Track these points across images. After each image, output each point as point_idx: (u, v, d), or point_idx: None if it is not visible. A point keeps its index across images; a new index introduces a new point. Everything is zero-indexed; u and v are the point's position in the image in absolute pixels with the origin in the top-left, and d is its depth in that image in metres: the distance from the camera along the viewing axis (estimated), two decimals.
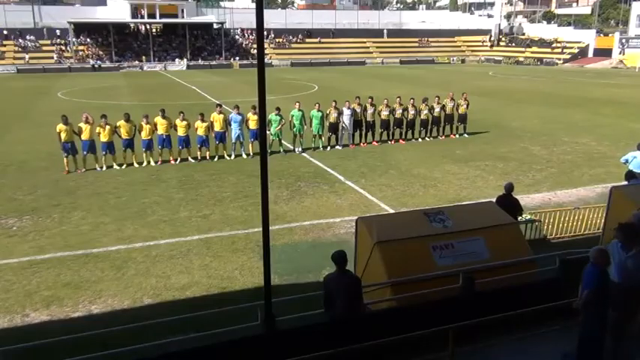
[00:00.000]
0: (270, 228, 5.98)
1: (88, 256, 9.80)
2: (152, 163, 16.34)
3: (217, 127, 16.86)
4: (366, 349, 5.59)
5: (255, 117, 16.35)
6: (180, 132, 16.48)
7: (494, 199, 9.37)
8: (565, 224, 10.57)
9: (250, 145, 17.51)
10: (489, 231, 7.72)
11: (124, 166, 16.02)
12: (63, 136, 15.27)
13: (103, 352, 5.87)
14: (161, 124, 16.19)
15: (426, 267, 7.12)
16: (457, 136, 20.82)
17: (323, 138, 18.64)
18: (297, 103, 18.22)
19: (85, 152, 15.65)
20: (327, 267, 8.05)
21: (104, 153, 15.83)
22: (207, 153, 17.05)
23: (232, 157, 17.27)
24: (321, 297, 6.38)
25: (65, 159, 15.47)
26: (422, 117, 19.83)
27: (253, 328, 6.20)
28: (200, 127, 16.64)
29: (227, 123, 17.00)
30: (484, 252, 7.45)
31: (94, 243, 10.39)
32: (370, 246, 7.32)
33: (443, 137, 20.42)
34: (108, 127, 15.67)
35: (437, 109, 20.00)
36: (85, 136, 15.51)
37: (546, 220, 10.54)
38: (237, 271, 9.18)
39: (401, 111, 19.31)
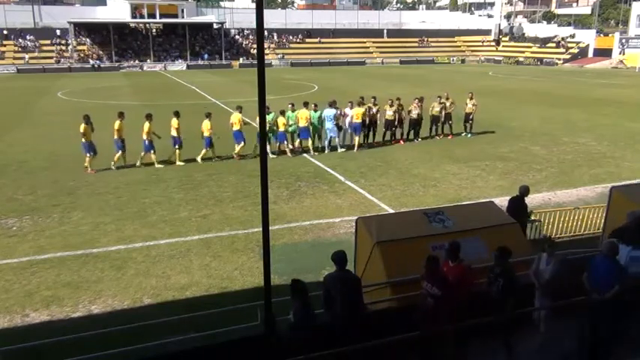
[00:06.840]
0: (270, 228, 5.98)
1: (88, 256, 9.80)
2: (141, 163, 16.18)
3: (302, 123, 17.28)
4: (366, 349, 5.59)
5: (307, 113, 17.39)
6: (207, 133, 16.49)
7: (494, 199, 9.37)
8: (565, 224, 10.56)
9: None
10: (489, 231, 7.71)
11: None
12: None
13: (103, 352, 5.87)
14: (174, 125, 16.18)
15: None
16: (461, 135, 20.83)
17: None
18: (314, 105, 18.35)
19: (89, 153, 15.57)
20: (327, 267, 8.03)
21: (120, 151, 15.78)
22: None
23: (326, 151, 17.85)
24: (321, 297, 6.38)
25: (87, 158, 15.40)
26: (433, 113, 20.07)
27: (253, 328, 6.20)
28: (235, 124, 16.79)
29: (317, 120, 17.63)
30: (484, 252, 7.44)
31: (94, 243, 10.40)
32: (370, 246, 7.32)
33: (441, 136, 20.46)
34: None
35: (437, 108, 20.06)
36: (86, 137, 15.42)
37: (546, 220, 10.52)
38: (237, 271, 9.18)
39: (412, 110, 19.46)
